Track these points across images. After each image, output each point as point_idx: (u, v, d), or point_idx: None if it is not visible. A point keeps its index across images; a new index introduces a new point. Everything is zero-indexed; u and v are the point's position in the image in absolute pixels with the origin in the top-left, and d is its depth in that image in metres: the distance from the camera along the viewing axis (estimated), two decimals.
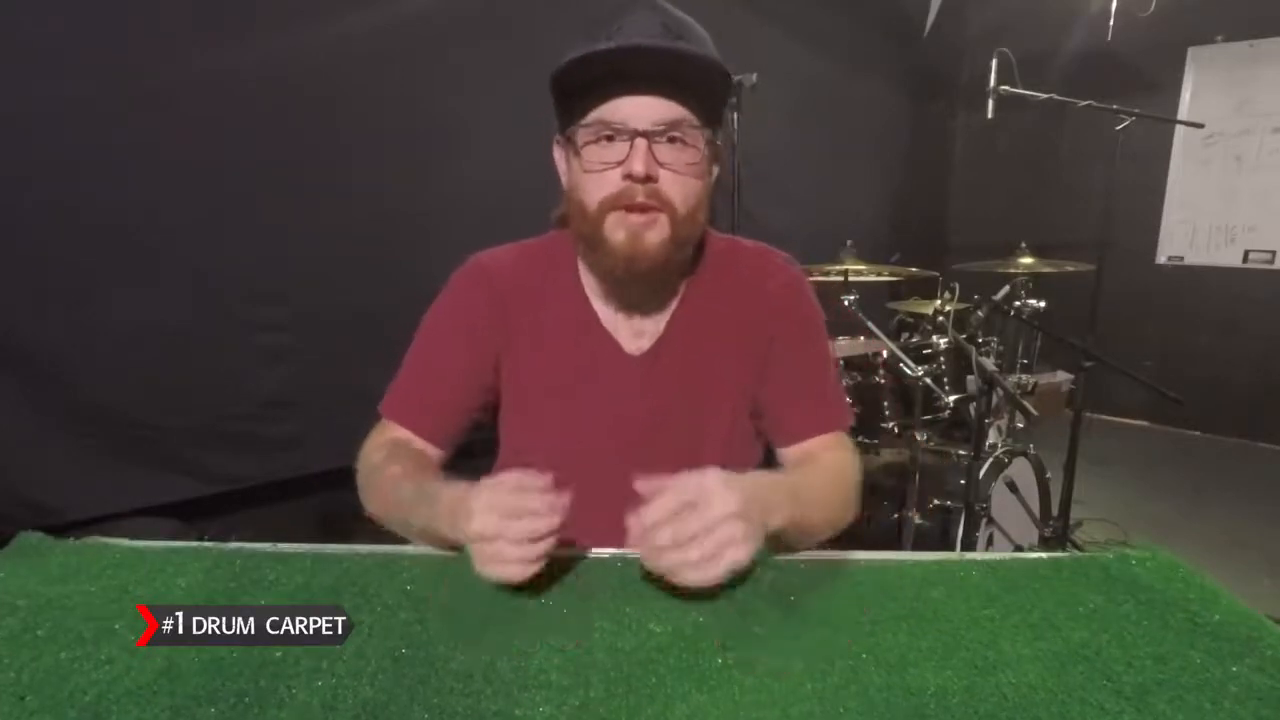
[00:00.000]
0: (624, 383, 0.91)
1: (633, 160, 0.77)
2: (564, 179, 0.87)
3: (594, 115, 0.78)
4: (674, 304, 0.92)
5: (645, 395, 0.91)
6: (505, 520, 0.64)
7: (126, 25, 1.60)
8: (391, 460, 0.86)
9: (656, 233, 0.80)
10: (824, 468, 0.89)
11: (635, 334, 0.92)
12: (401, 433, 0.91)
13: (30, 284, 1.57)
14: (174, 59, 1.67)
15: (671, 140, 0.78)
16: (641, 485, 0.65)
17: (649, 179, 0.77)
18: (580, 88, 0.79)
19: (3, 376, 1.56)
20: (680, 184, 0.80)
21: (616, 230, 0.80)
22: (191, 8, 1.69)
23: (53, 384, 1.62)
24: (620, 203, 0.79)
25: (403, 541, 0.81)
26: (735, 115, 2.04)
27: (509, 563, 0.64)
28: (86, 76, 1.56)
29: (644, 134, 0.77)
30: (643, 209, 0.79)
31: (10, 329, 1.55)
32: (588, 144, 0.80)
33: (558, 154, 0.88)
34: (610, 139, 0.78)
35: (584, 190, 0.81)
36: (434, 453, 0.92)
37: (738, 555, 0.63)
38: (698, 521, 0.62)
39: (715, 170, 0.87)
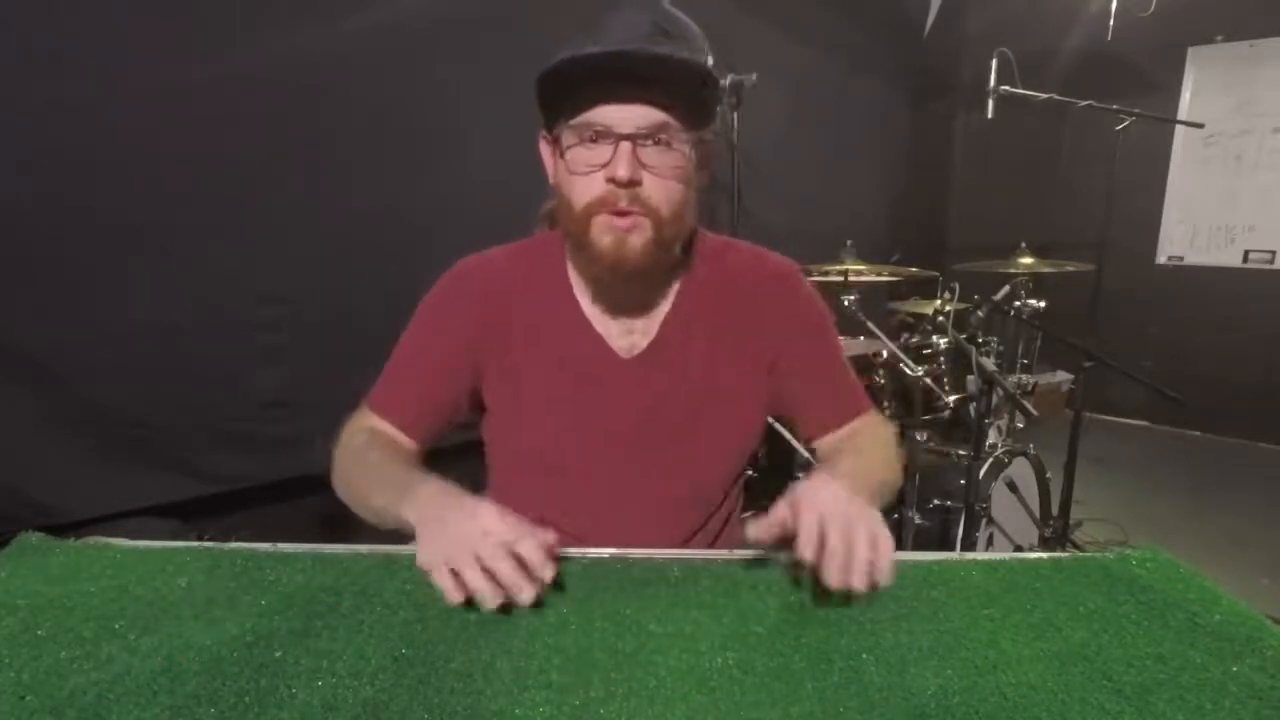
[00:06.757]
0: (617, 385, 0.91)
1: (616, 164, 0.77)
2: (550, 175, 0.88)
3: (579, 118, 0.79)
4: (666, 305, 0.92)
5: (638, 397, 0.91)
6: (517, 532, 0.66)
7: (127, 25, 1.60)
8: (371, 443, 0.90)
9: (639, 236, 0.80)
10: (866, 438, 0.96)
11: (626, 335, 0.92)
12: (381, 423, 0.93)
13: (30, 284, 1.57)
14: (174, 59, 1.67)
15: (656, 143, 0.79)
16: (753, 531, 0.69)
17: (632, 183, 0.78)
18: (566, 90, 0.79)
19: (2, 376, 1.56)
20: (664, 188, 0.80)
21: (602, 235, 0.81)
22: (191, 8, 1.69)
23: (53, 384, 1.61)
24: (604, 206, 0.80)
25: (403, 541, 0.81)
26: (735, 115, 2.03)
27: (513, 580, 0.64)
28: (86, 76, 1.56)
29: (628, 137, 0.77)
30: (625, 213, 0.79)
31: (10, 329, 1.55)
32: (572, 146, 0.80)
33: (544, 150, 0.88)
34: (595, 140, 0.79)
35: (570, 191, 0.82)
36: (409, 445, 0.93)
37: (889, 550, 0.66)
38: (865, 542, 0.65)
39: (706, 169, 0.87)
